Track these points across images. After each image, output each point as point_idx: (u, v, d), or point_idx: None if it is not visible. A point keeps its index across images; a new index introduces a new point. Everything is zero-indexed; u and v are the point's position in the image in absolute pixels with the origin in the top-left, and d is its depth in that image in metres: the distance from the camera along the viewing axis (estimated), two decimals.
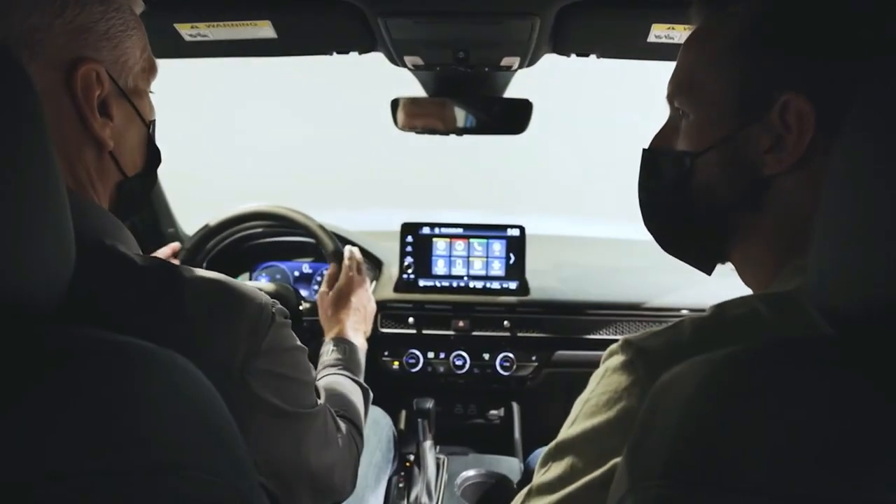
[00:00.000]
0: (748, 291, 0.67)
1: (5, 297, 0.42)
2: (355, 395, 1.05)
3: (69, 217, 0.48)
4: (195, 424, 0.46)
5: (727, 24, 0.61)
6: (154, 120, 0.74)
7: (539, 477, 0.62)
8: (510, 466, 1.51)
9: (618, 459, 0.52)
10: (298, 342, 0.74)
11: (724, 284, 0.79)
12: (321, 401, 0.80)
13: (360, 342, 1.26)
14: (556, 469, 0.59)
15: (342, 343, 1.21)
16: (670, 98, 0.69)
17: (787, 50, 0.57)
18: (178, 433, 0.44)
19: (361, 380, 1.14)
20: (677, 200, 0.68)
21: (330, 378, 1.10)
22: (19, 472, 0.37)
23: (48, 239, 0.45)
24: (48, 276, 0.45)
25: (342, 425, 0.90)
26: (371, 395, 1.13)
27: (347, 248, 1.48)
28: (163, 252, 1.49)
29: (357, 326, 1.31)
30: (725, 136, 0.62)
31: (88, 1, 0.62)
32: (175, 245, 1.54)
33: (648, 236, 0.76)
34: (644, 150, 0.72)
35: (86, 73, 0.62)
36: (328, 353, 1.19)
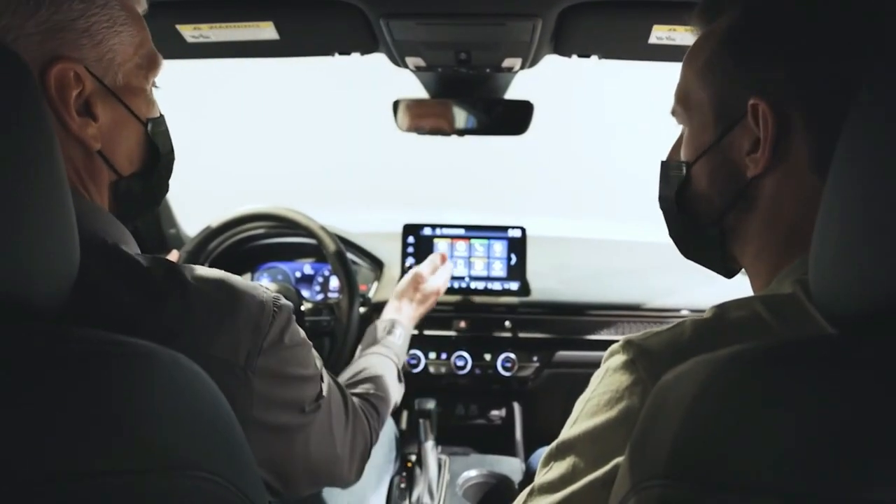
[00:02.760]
0: (747, 292, 0.68)
1: (10, 298, 0.42)
2: (390, 377, 1.09)
3: (73, 217, 0.48)
4: (199, 424, 0.46)
5: (710, 37, 0.66)
6: (156, 117, 0.72)
7: (541, 477, 0.62)
8: (512, 467, 1.51)
9: (620, 459, 0.53)
10: (304, 336, 0.73)
11: (725, 286, 0.79)
12: (325, 391, 0.79)
13: (411, 328, 1.34)
14: (559, 469, 0.60)
15: (400, 327, 1.28)
16: (672, 112, 0.73)
17: (754, 57, 0.61)
18: (181, 433, 0.44)
19: (401, 364, 1.21)
20: (681, 208, 0.72)
21: (373, 358, 1.15)
22: (24, 472, 0.37)
23: (53, 240, 0.45)
24: (53, 277, 0.45)
25: (359, 411, 0.90)
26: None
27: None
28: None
29: (417, 313, 1.38)
30: (712, 143, 0.66)
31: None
32: (177, 253, 1.55)
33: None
34: (661, 162, 0.75)
35: (59, 72, 0.59)
36: (387, 329, 1.26)
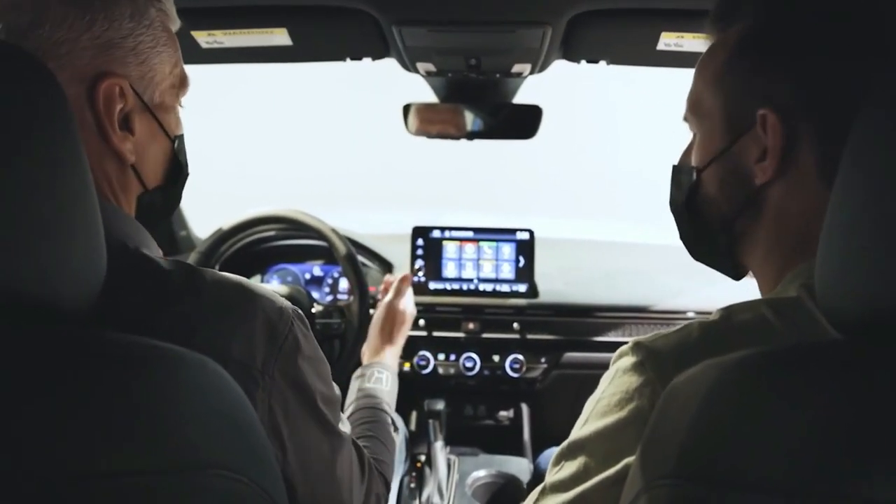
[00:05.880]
0: (754, 294, 0.69)
1: (39, 302, 0.43)
2: (388, 436, 1.03)
3: (101, 224, 0.49)
4: (223, 425, 0.47)
5: (723, 46, 0.66)
6: (181, 135, 0.75)
7: (552, 476, 0.63)
8: (520, 467, 1.52)
9: (630, 458, 0.54)
10: (324, 357, 0.72)
11: (731, 287, 0.80)
12: (347, 431, 0.77)
13: (395, 366, 1.25)
14: (570, 468, 0.61)
15: (385, 371, 1.18)
16: (684, 118, 0.73)
17: (765, 66, 0.62)
18: (206, 434, 0.45)
19: (393, 412, 1.12)
20: (690, 211, 0.73)
21: (366, 413, 1.06)
22: (52, 471, 0.38)
23: (81, 245, 0.47)
24: (81, 282, 0.47)
25: (374, 471, 0.86)
26: (400, 432, 1.10)
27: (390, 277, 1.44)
28: None
29: (398, 346, 1.29)
30: (722, 150, 0.66)
31: (118, 17, 0.62)
32: None
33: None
34: (672, 166, 0.76)
35: (108, 87, 0.62)
36: (372, 378, 1.16)
